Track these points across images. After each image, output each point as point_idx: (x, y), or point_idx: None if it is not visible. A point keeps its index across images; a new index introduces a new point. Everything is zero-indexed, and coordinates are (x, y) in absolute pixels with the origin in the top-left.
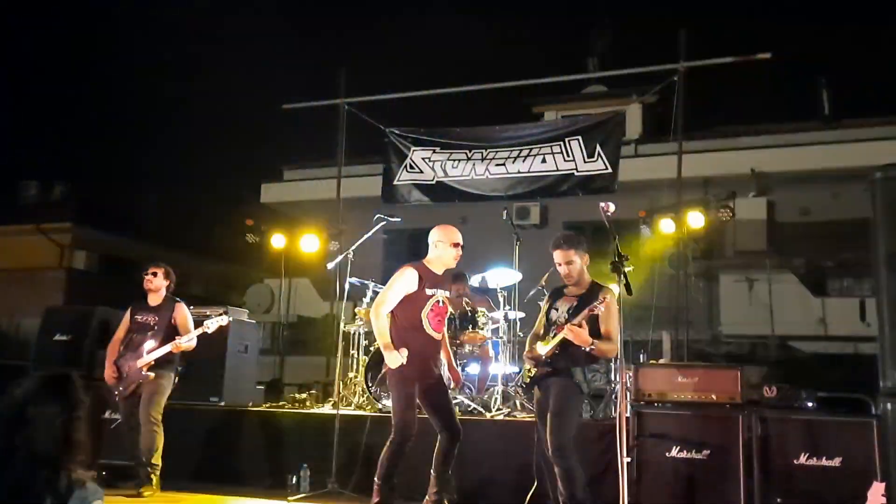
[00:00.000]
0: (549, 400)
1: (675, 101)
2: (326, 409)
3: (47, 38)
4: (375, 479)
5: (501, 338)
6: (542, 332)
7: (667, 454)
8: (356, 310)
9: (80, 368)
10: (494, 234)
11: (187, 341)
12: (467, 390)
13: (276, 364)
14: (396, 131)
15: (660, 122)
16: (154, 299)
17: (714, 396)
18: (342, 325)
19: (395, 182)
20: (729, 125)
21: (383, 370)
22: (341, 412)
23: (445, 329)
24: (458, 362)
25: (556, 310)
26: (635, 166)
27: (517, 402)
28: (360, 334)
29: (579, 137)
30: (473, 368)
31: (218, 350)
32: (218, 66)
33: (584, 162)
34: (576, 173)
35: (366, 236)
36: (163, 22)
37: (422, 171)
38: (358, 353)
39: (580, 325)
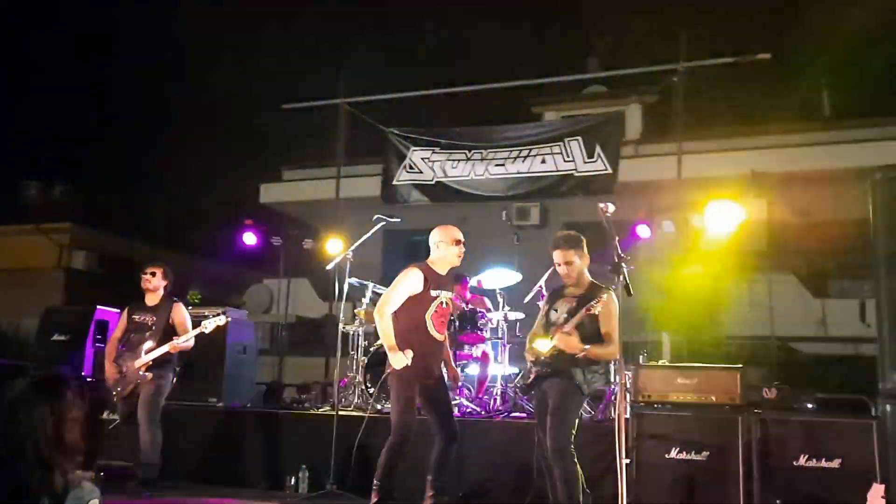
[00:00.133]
0: (549, 401)
1: (674, 102)
2: (325, 409)
3: (47, 38)
4: (374, 479)
5: (501, 338)
6: (541, 332)
7: (666, 455)
8: (356, 310)
9: (78, 369)
10: (494, 234)
11: (185, 341)
12: (466, 391)
13: (274, 365)
14: (396, 131)
15: (660, 122)
16: (152, 299)
17: (714, 398)
18: (341, 325)
19: (395, 182)
20: (729, 126)
21: (387, 371)
22: (340, 413)
23: (447, 330)
24: (458, 363)
25: (556, 310)
26: (635, 167)
27: (516, 403)
28: (359, 335)
29: (579, 138)
30: (473, 369)
31: (217, 351)
32: (217, 66)
33: (584, 162)
34: (576, 174)
35: (365, 237)
36: (162, 22)
37: (421, 172)
38: (357, 354)
39: (570, 333)
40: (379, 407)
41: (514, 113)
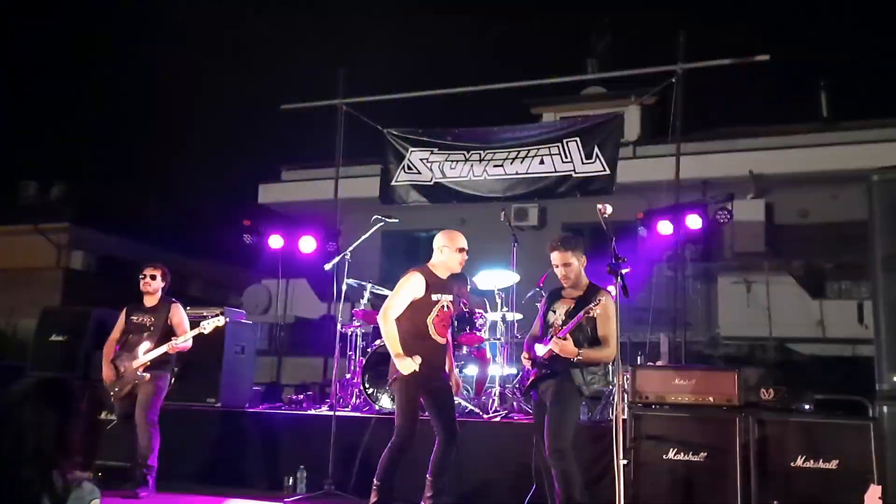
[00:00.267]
0: (547, 402)
1: (673, 103)
2: (323, 410)
3: (47, 38)
4: (375, 479)
5: (499, 339)
6: (539, 333)
7: (664, 456)
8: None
9: (76, 369)
10: (492, 235)
11: (183, 342)
12: (465, 392)
13: (273, 365)
14: (394, 132)
15: (658, 123)
16: (150, 300)
17: (711, 399)
18: (339, 326)
19: (393, 183)
20: (727, 127)
21: (392, 376)
22: (338, 414)
23: (449, 333)
24: (456, 364)
25: (554, 312)
26: (634, 168)
27: (515, 404)
28: (357, 335)
29: (578, 139)
30: (471, 370)
31: (215, 351)
32: (217, 66)
33: (583, 163)
34: (574, 174)
35: (363, 237)
36: (162, 22)
37: (420, 172)
38: (356, 354)
39: (566, 338)
40: (377, 408)
41: (512, 114)
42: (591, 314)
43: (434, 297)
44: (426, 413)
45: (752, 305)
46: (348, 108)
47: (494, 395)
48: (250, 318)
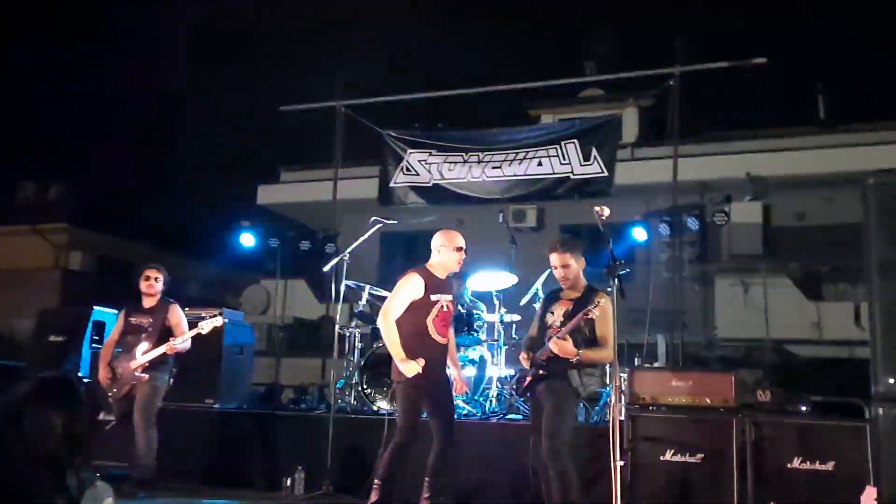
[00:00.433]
0: (545, 403)
1: (671, 105)
2: (321, 411)
3: (46, 38)
4: (375, 479)
5: (497, 340)
6: (536, 335)
7: (661, 458)
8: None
9: (73, 370)
10: (491, 236)
11: (181, 343)
12: (465, 393)
13: (271, 366)
14: (393, 133)
15: (656, 125)
16: (148, 301)
17: (708, 400)
18: (338, 327)
19: (392, 184)
20: (725, 129)
21: (394, 379)
22: (336, 414)
23: (451, 333)
24: None
25: (552, 313)
26: (632, 170)
27: (512, 405)
28: (355, 336)
29: (576, 141)
30: (469, 371)
31: (213, 352)
32: (215, 67)
33: (581, 165)
34: (572, 176)
35: (362, 238)
36: (160, 23)
37: (418, 174)
38: (354, 355)
39: (565, 338)
40: (375, 409)
41: (510, 116)
42: (589, 316)
43: (433, 297)
44: (426, 414)
45: (749, 307)
46: (347, 109)
47: (492, 396)
48: (249, 318)
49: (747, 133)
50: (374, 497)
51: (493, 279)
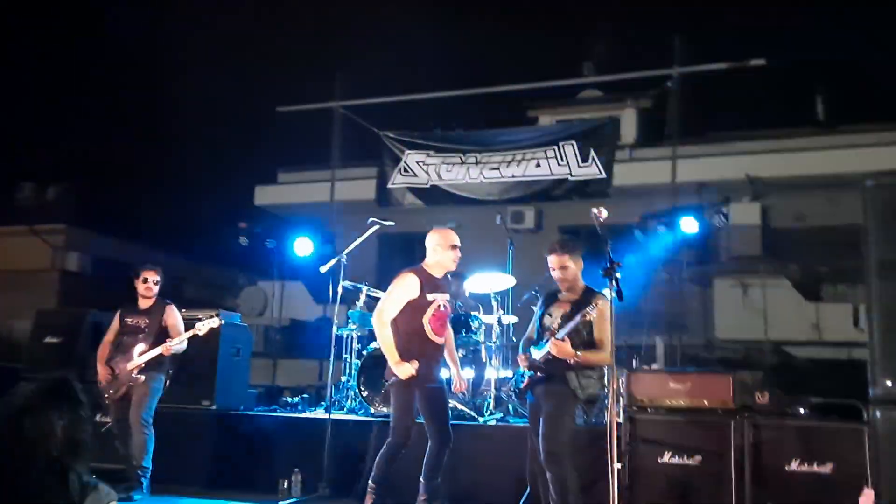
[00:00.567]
0: (543, 405)
1: (669, 106)
2: (318, 413)
3: (44, 37)
4: (370, 481)
5: (495, 342)
6: (534, 337)
7: (659, 460)
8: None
9: (71, 371)
10: (489, 238)
11: (178, 344)
12: (460, 394)
13: (268, 367)
14: (391, 134)
15: (655, 127)
16: (145, 302)
17: (707, 402)
18: (335, 328)
19: (390, 185)
20: (724, 130)
21: (389, 379)
22: (333, 417)
23: (450, 332)
24: None
25: (550, 315)
26: (630, 171)
27: (510, 407)
28: (353, 338)
29: (574, 142)
30: (466, 373)
31: (210, 353)
32: (214, 67)
33: (579, 166)
34: (570, 178)
35: (359, 240)
36: (159, 23)
37: (416, 175)
38: (351, 357)
39: (564, 340)
40: (373, 410)
41: (509, 117)
42: (587, 318)
43: (429, 296)
44: (420, 415)
45: (748, 309)
46: (345, 110)
47: (489, 397)
48: (246, 320)
49: (746, 134)
50: (369, 500)
51: (490, 281)
